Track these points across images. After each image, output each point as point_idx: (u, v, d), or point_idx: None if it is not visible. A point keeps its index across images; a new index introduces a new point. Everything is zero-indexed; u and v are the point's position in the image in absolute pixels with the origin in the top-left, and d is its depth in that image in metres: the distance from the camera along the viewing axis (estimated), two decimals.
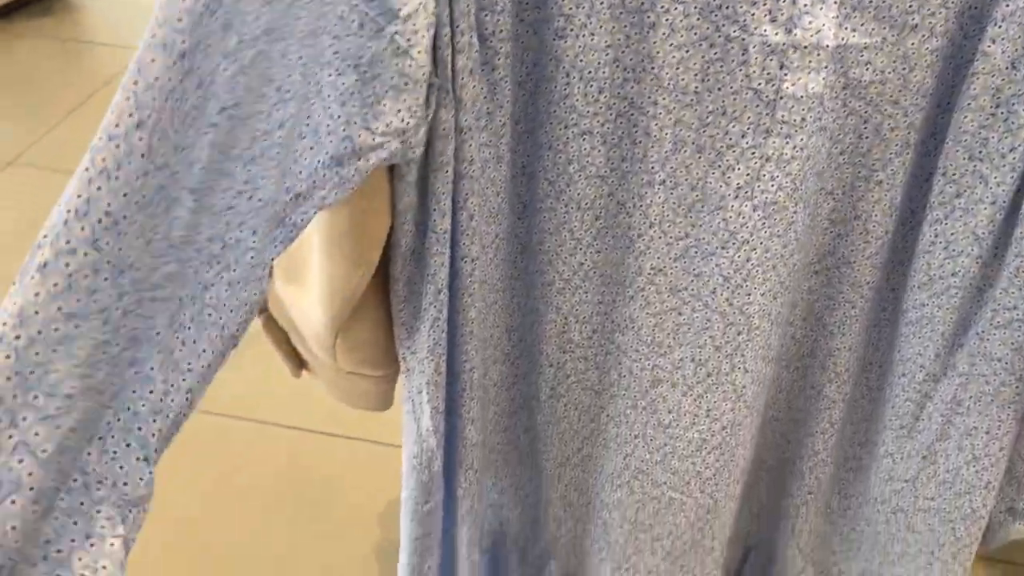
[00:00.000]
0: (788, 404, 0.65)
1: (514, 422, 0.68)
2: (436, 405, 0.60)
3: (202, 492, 1.20)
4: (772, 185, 0.50)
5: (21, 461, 0.34)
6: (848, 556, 0.72)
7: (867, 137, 0.51)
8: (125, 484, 0.37)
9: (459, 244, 0.53)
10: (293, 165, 0.42)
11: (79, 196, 0.35)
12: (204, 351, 0.40)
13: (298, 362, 0.66)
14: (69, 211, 0.34)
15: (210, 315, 0.40)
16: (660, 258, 0.54)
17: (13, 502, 0.34)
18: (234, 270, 0.40)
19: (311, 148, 0.43)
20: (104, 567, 0.36)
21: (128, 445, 0.38)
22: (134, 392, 0.38)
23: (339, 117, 0.43)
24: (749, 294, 0.54)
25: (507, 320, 0.61)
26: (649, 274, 0.55)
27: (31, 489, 0.35)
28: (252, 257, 0.41)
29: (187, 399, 0.40)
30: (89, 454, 0.37)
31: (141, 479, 0.38)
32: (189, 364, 0.40)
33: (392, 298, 0.56)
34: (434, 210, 0.51)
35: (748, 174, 0.50)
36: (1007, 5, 0.45)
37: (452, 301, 0.56)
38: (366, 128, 0.43)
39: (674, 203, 0.52)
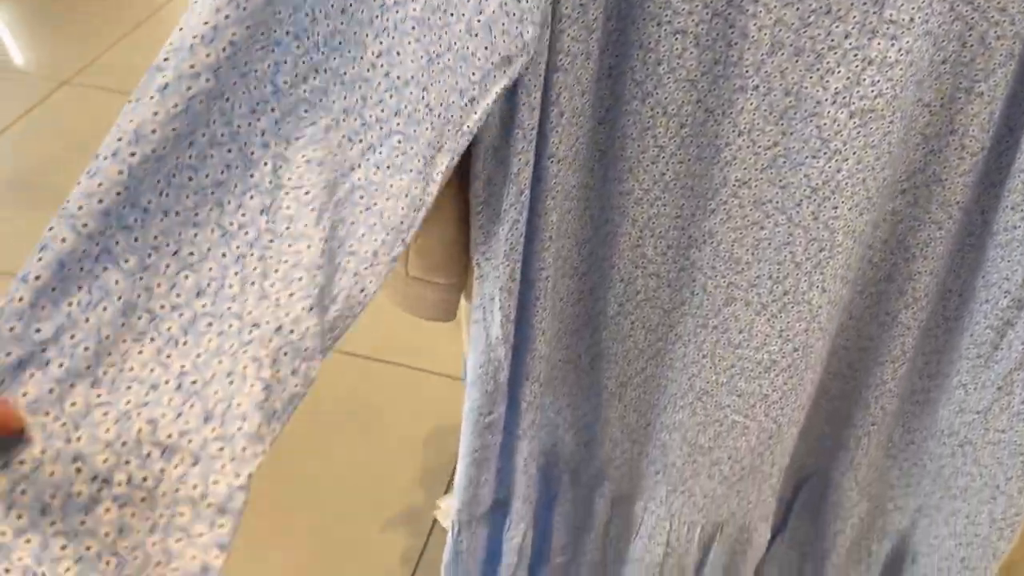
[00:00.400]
0: (858, 331, 0.64)
1: (576, 340, 0.67)
2: (507, 313, 0.59)
3: None
4: (872, 91, 0.48)
5: (106, 269, 0.34)
6: (906, 491, 0.71)
7: (971, 45, 0.49)
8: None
9: (547, 142, 0.52)
10: (464, 66, 0.41)
11: (205, 23, 0.34)
12: (363, 234, 0.40)
13: None
14: (195, 36, 0.34)
15: (361, 197, 0.39)
16: (746, 169, 0.53)
17: (104, 309, 0.34)
18: (380, 152, 0.39)
19: (485, 48, 0.42)
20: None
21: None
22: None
23: (514, 14, 0.42)
24: (836, 208, 0.53)
25: (579, 232, 0.61)
26: (733, 186, 0.54)
27: (118, 298, 0.35)
28: (400, 142, 0.40)
29: (354, 281, 0.39)
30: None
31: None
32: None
33: (471, 198, 0.55)
34: (522, 104, 0.50)
35: (848, 78, 0.48)
36: None
37: (533, 204, 0.55)
38: (532, 23, 0.43)
39: (765, 110, 0.51)
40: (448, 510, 1.08)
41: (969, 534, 0.65)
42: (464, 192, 0.56)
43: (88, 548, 0.32)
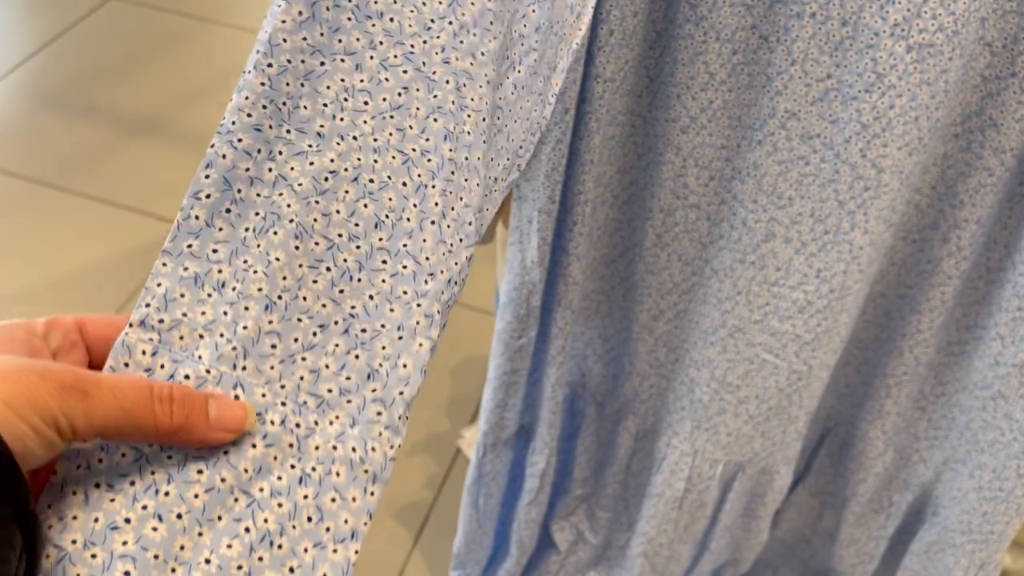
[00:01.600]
0: (898, 278, 0.63)
1: (611, 271, 0.67)
2: (545, 236, 0.59)
3: None
4: (932, 24, 0.47)
5: (281, 195, 0.33)
6: (933, 443, 0.71)
7: None
8: None
9: (594, 62, 0.51)
10: None
11: None
12: (492, 160, 0.38)
13: None
14: None
15: (498, 118, 0.38)
16: (796, 100, 0.52)
17: (275, 232, 0.33)
18: (519, 71, 0.39)
19: None
20: None
21: None
22: None
23: None
24: (885, 146, 0.52)
25: (621, 159, 0.60)
26: (782, 117, 0.53)
27: (290, 221, 0.34)
28: (536, 61, 0.39)
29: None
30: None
31: None
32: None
33: None
34: None
35: (908, 9, 0.47)
36: None
37: (576, 125, 0.54)
38: None
39: (821, 39, 0.50)
40: (472, 440, 1.10)
41: (994, 488, 0.65)
42: None
43: (223, 480, 0.31)
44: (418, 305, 0.35)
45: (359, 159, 0.35)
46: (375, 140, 0.35)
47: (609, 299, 0.69)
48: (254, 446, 0.32)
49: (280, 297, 0.33)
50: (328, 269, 0.34)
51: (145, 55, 1.66)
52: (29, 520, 0.27)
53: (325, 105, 0.34)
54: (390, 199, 0.35)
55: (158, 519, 0.29)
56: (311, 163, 0.34)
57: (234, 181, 0.33)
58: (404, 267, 0.35)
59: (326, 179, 0.34)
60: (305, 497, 0.32)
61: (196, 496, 0.30)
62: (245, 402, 0.32)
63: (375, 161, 0.35)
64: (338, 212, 0.34)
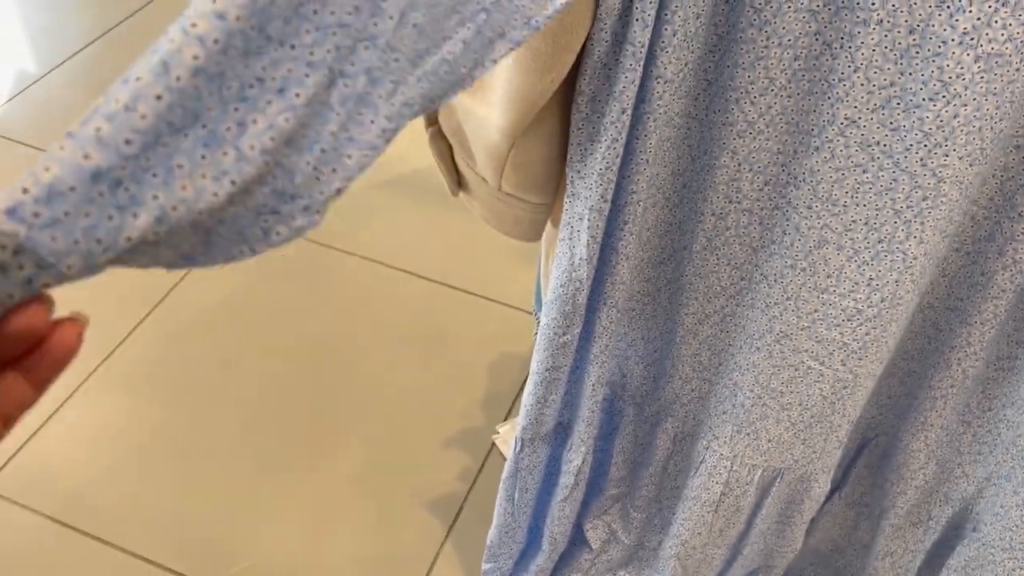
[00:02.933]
0: (949, 290, 0.63)
1: (658, 272, 0.67)
2: (595, 234, 0.60)
3: (325, 321, 1.24)
4: (1002, 34, 0.47)
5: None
6: (976, 458, 0.70)
7: None
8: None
9: (656, 62, 0.51)
10: None
11: None
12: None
13: (457, 180, 0.67)
14: None
15: (446, 72, 0.39)
16: (857, 107, 0.52)
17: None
18: (468, 28, 0.39)
19: None
20: None
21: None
22: None
23: None
24: (947, 155, 0.51)
25: (676, 161, 0.60)
26: (841, 124, 0.53)
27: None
28: (485, 20, 0.39)
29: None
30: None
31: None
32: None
33: (573, 114, 0.55)
34: (637, 20, 0.50)
35: (978, 18, 0.46)
36: None
37: (633, 125, 0.55)
38: None
39: (887, 46, 0.49)
40: (507, 436, 1.10)
41: None
42: (566, 110, 0.56)
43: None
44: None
45: (290, 69, 0.33)
46: (312, 53, 0.34)
47: (655, 300, 0.69)
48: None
49: None
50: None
51: None
52: None
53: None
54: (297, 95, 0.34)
55: None
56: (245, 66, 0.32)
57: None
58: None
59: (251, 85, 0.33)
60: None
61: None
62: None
63: (306, 76, 0.34)
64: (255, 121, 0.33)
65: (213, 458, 1.09)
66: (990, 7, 0.46)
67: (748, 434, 0.70)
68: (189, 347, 1.21)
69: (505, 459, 1.08)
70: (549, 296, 0.65)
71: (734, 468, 0.72)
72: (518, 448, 0.75)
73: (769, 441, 0.70)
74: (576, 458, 0.75)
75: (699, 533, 0.77)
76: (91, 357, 1.18)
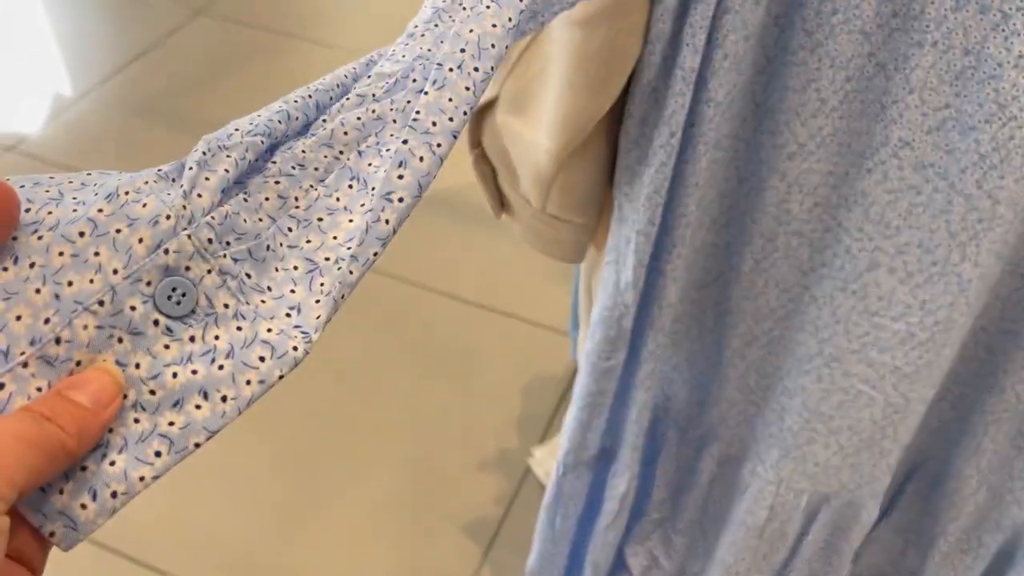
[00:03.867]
0: (1003, 312, 0.62)
1: (704, 295, 0.67)
2: (642, 258, 0.59)
3: (359, 342, 1.25)
4: None
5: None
6: None
7: None
8: None
9: (706, 86, 0.51)
10: None
11: None
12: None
13: (500, 202, 0.67)
14: None
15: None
16: (912, 129, 0.51)
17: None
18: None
19: None
20: None
21: None
22: None
23: None
24: (1003, 177, 0.51)
25: (723, 184, 0.60)
26: (895, 145, 0.52)
27: None
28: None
29: None
30: None
31: None
32: None
33: (621, 137, 0.55)
34: (687, 45, 0.49)
35: None
36: None
37: (683, 148, 0.54)
38: None
39: (942, 68, 0.49)
40: (542, 459, 1.10)
41: None
42: (615, 132, 0.56)
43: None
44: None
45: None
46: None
47: (700, 323, 0.68)
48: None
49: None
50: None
51: (231, 68, 1.71)
52: None
53: None
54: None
55: None
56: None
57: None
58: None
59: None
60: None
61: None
62: (98, 365, 0.29)
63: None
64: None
65: (247, 480, 1.09)
66: None
67: (795, 458, 0.69)
68: None
69: (540, 482, 1.07)
70: (594, 319, 0.65)
71: (780, 493, 0.71)
72: (561, 473, 0.74)
73: (816, 466, 0.68)
74: (621, 484, 0.74)
75: (743, 559, 0.76)
76: None
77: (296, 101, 0.35)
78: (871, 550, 0.81)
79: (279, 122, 0.34)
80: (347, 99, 0.36)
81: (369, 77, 0.36)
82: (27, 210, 0.29)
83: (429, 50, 0.36)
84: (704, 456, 0.76)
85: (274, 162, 0.34)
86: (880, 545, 0.81)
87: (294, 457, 1.11)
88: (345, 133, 0.35)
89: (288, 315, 0.33)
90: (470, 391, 1.18)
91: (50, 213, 0.29)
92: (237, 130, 0.34)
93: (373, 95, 0.36)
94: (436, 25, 0.37)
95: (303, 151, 0.35)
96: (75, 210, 0.30)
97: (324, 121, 0.36)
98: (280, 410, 1.16)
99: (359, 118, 0.35)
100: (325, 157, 0.35)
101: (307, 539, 1.02)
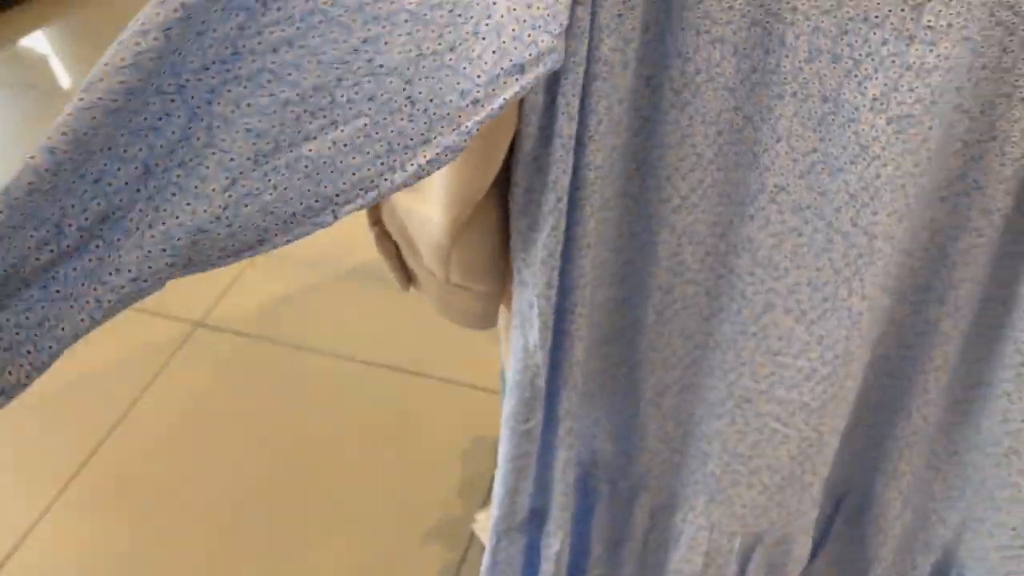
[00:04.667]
0: (899, 340, 0.64)
1: (613, 349, 0.68)
2: (546, 320, 0.60)
3: (292, 423, 1.23)
4: (910, 97, 0.49)
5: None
6: (949, 503, 0.70)
7: (1012, 51, 0.49)
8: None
9: (585, 151, 0.53)
10: (468, 67, 0.42)
11: None
12: (291, 197, 0.40)
13: (406, 276, 0.67)
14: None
15: (305, 167, 0.40)
16: (784, 175, 0.54)
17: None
18: (341, 130, 0.40)
19: (493, 52, 0.42)
20: None
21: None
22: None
23: (526, 21, 0.43)
24: (875, 213, 0.53)
25: (617, 240, 0.61)
26: (771, 192, 0.54)
27: None
28: (365, 126, 0.41)
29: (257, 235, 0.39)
30: None
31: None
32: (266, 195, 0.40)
33: (511, 206, 0.56)
34: (562, 114, 0.51)
35: (885, 84, 0.48)
36: None
37: (571, 211, 0.56)
38: (548, 32, 0.43)
39: (804, 116, 0.51)
40: (486, 523, 1.09)
41: (1015, 547, 0.64)
42: (504, 200, 0.57)
43: None
44: None
45: (105, 164, 0.38)
46: (125, 151, 0.38)
47: (614, 377, 0.69)
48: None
49: None
50: None
51: None
52: None
53: (115, 129, 0.37)
54: (120, 199, 0.38)
55: None
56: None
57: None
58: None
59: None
60: None
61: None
62: None
63: (118, 168, 0.38)
64: (72, 207, 0.37)
65: (188, 572, 1.06)
66: (895, 73, 0.48)
67: (722, 502, 0.69)
68: (155, 461, 1.18)
69: (485, 547, 1.06)
70: (508, 384, 0.65)
71: (713, 537, 0.72)
72: (494, 541, 0.74)
73: (743, 507, 0.69)
74: (554, 543, 0.74)
75: None
76: (51, 483, 1.16)
77: None
78: None
79: None
80: None
81: None
82: None
83: None
84: (636, 508, 0.76)
85: None
86: None
87: (234, 544, 1.08)
88: None
89: None
90: (411, 461, 1.17)
91: None
92: None
93: None
94: None
95: None
96: None
97: None
98: (216, 500, 1.14)
99: None
100: None
101: None
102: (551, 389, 0.65)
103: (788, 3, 0.48)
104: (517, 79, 0.42)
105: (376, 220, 0.65)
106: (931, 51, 0.47)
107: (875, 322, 0.60)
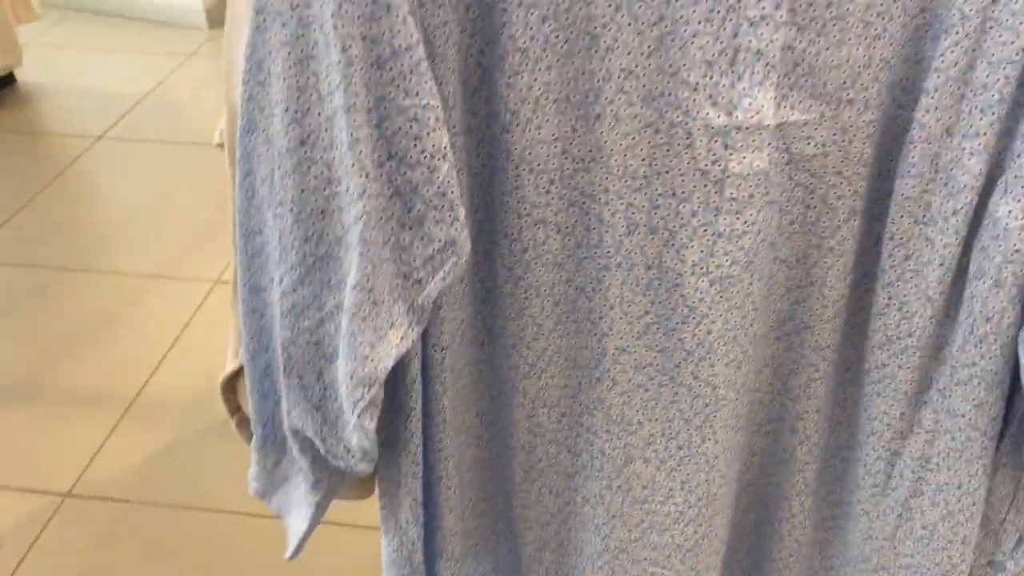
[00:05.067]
0: (762, 469, 0.65)
1: (491, 507, 0.67)
2: (415, 496, 0.59)
3: None
4: (726, 260, 0.51)
5: None
6: None
7: (815, 207, 0.52)
8: None
9: (429, 334, 0.53)
10: (403, 254, 0.48)
11: None
12: None
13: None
14: None
15: None
16: (623, 337, 0.55)
17: None
18: None
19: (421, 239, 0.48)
20: None
21: None
22: None
23: None
24: (713, 365, 0.55)
25: (477, 404, 0.61)
26: (613, 354, 0.56)
27: None
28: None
29: None
30: None
31: None
32: None
33: None
34: None
35: (702, 251, 0.51)
36: (937, 77, 0.47)
37: (425, 390, 0.56)
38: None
39: (632, 283, 0.53)
40: None
41: None
42: None
43: None
44: None
45: None
46: None
47: (495, 533, 0.69)
48: None
49: None
50: None
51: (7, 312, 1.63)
52: None
53: None
54: None
55: None
56: None
57: None
58: None
59: None
60: None
61: None
62: None
63: None
64: None
65: None
66: (709, 241, 0.50)
67: None
68: None
69: None
70: (385, 559, 0.64)
71: None
72: None
73: None
74: None
75: None
76: None
77: None
78: None
79: None
80: None
81: None
82: None
83: None
84: None
85: None
86: None
87: None
88: None
89: None
90: None
91: None
92: None
93: None
94: None
95: None
96: None
97: None
98: None
99: None
100: None
101: None
102: (429, 561, 0.64)
103: (600, 185, 0.50)
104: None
105: (236, 408, 0.64)
106: (738, 219, 0.50)
107: (733, 460, 0.61)
